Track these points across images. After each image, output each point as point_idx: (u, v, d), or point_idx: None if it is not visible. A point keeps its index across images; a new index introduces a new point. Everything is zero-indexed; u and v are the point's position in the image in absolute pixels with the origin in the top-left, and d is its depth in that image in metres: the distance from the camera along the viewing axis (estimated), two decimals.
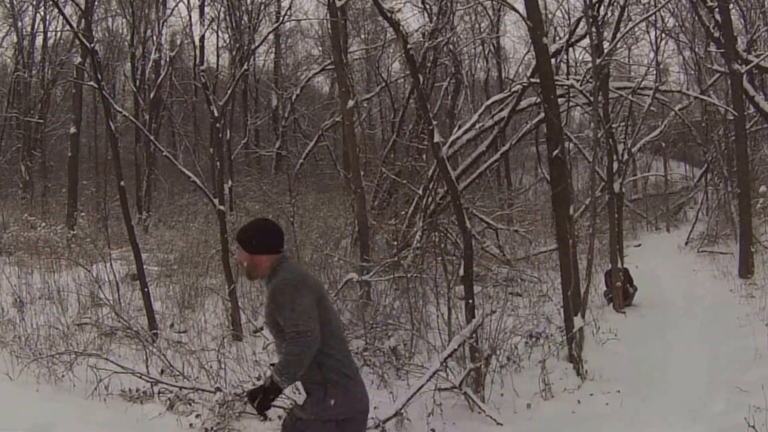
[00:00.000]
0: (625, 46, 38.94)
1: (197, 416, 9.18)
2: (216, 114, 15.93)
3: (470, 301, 11.72)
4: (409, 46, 12.73)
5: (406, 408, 9.61)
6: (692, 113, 43.95)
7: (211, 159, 20.32)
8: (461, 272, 12.00)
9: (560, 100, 20.11)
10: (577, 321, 12.84)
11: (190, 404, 9.63)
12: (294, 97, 44.34)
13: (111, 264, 17.38)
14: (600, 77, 19.32)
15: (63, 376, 10.43)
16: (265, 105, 49.78)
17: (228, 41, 45.19)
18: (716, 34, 25.02)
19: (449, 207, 19.79)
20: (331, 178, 36.59)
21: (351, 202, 19.62)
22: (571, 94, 19.58)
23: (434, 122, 12.49)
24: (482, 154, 22.16)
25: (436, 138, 11.79)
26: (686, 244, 32.33)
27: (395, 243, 18.74)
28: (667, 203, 43.47)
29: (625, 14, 22.52)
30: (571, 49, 28.48)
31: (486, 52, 45.98)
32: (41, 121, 40.11)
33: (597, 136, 14.95)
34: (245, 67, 29.01)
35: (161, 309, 16.02)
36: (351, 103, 17.67)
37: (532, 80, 18.59)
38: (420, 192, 20.33)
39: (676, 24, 36.39)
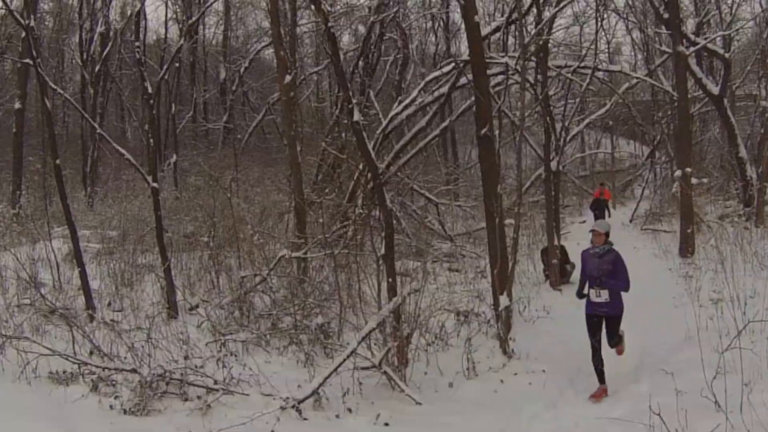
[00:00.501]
0: (576, 24, 39.21)
1: (116, 397, 9.23)
2: (150, 91, 15.87)
3: (390, 279, 11.80)
4: (355, 19, 12.79)
5: (325, 387, 9.70)
6: (642, 93, 44.39)
7: (145, 136, 20.18)
8: (382, 251, 12.07)
9: (499, 78, 20.28)
10: (503, 299, 12.94)
11: (113, 385, 9.64)
12: (243, 69, 44.20)
13: (51, 243, 17.31)
14: (533, 55, 19.49)
15: None
16: (214, 77, 49.51)
17: (176, 12, 44.94)
18: (665, 16, 25.19)
19: (388, 182, 19.91)
20: (278, 151, 36.47)
21: (289, 177, 19.62)
22: (509, 72, 19.65)
23: (354, 100, 12.52)
24: (422, 130, 22.25)
25: (356, 117, 11.82)
26: (630, 221, 32.70)
27: (330, 219, 18.80)
28: (614, 180, 43.78)
29: None
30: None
31: (436, 28, 45.99)
32: None
33: (522, 114, 14.99)
34: (182, 42, 28.78)
35: (99, 287, 15.92)
36: (288, 78, 17.65)
37: (464, 59, 18.68)
38: (360, 168, 20.34)
39: (626, 4, 36.57)
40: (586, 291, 11.46)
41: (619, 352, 11.71)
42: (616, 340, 11.47)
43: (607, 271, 11.09)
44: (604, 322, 11.27)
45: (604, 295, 11.08)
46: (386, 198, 12.49)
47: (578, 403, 10.32)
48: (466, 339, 12.05)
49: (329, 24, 12.38)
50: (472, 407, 10.17)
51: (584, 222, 33.08)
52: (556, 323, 14.75)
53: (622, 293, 11.29)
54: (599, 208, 31.55)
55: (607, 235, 11.48)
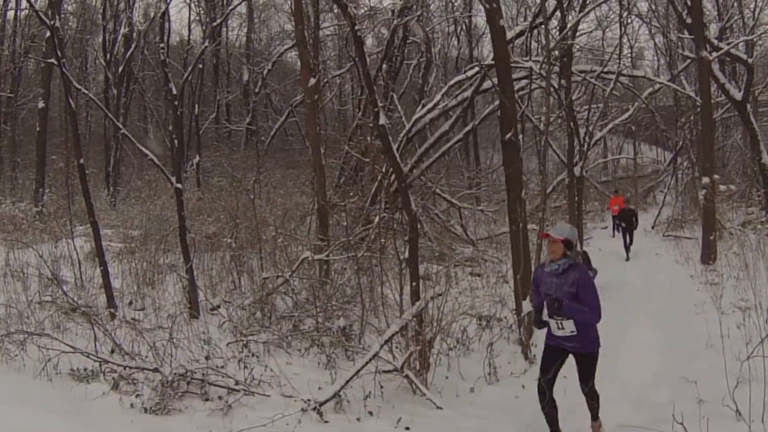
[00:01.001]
0: (599, 29, 39.16)
1: (137, 396, 9.24)
2: (174, 92, 15.90)
3: (414, 283, 11.77)
4: (378, 22, 12.77)
5: (346, 390, 9.67)
6: (665, 98, 44.20)
7: (168, 137, 20.24)
8: (406, 254, 12.05)
9: (523, 82, 20.24)
10: (525, 305, 12.89)
11: (134, 384, 9.65)
12: (266, 71, 44.28)
13: (73, 241, 17.38)
14: (557, 60, 19.40)
15: (16, 355, 10.36)
16: (237, 79, 49.62)
17: (200, 14, 45.05)
18: (688, 21, 25.07)
19: (412, 186, 19.88)
20: (301, 154, 36.54)
21: (312, 180, 19.65)
22: (533, 76, 19.61)
23: (380, 104, 12.51)
24: (445, 134, 22.22)
25: (381, 120, 11.81)
26: (652, 227, 32.54)
27: (352, 222, 18.79)
28: (636, 186, 43.60)
29: None
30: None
31: (459, 31, 45.94)
32: (11, 95, 39.79)
33: (548, 120, 14.94)
34: (206, 43, 28.86)
35: (121, 286, 15.96)
36: (312, 81, 17.67)
37: (488, 63, 18.64)
38: (383, 171, 20.33)
39: (650, 9, 36.45)
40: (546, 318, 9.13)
41: (595, 429, 9.37)
42: (590, 386, 9.11)
43: (569, 295, 8.68)
44: (575, 361, 9.12)
45: (568, 327, 8.80)
46: (411, 201, 12.47)
47: (600, 409, 10.24)
48: (488, 344, 12.01)
49: (356, 27, 12.37)
50: (493, 412, 10.13)
51: (606, 227, 32.99)
52: None
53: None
54: (626, 219, 26.52)
55: (567, 244, 8.92)
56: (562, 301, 8.63)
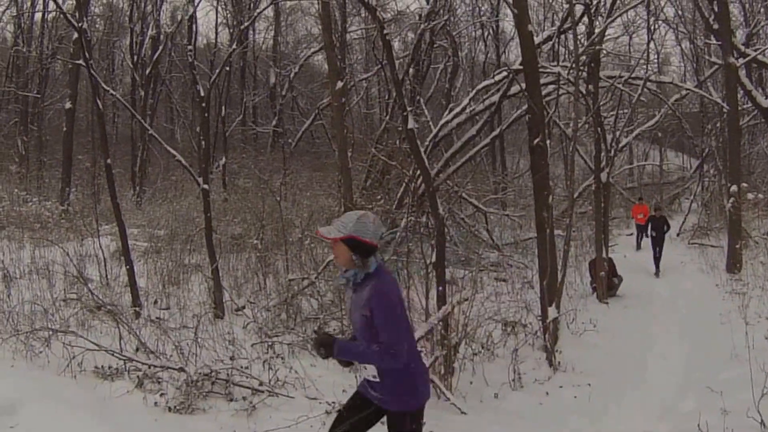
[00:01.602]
0: (626, 34, 39.06)
1: (162, 395, 9.25)
2: (202, 94, 15.94)
3: (440, 288, 11.74)
4: (406, 26, 12.78)
5: None
6: (691, 104, 44.03)
7: (196, 139, 20.30)
8: (432, 258, 12.03)
9: (550, 87, 20.17)
10: (551, 311, 12.86)
11: (158, 383, 9.68)
12: (292, 74, 44.43)
13: (99, 240, 17.48)
14: (584, 66, 19.32)
15: (40, 352, 10.41)
16: (264, 82, 49.82)
17: (227, 18, 45.24)
18: (715, 26, 24.96)
19: (438, 190, 19.84)
20: (327, 156, 36.60)
21: (339, 182, 19.67)
22: (561, 82, 19.54)
23: (408, 108, 12.50)
24: (472, 138, 22.17)
25: (410, 124, 11.82)
26: (678, 235, 32.37)
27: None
28: (661, 193, 43.43)
29: (618, 2, 22.32)
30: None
31: (485, 36, 45.89)
32: (39, 95, 40.08)
33: (576, 125, 14.89)
34: (233, 46, 29.00)
35: (146, 285, 16.08)
36: (339, 84, 17.66)
37: (516, 68, 18.59)
38: (410, 174, 20.31)
39: (676, 14, 36.36)
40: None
41: None
42: None
43: (362, 321, 5.68)
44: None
45: (371, 369, 5.82)
46: (438, 205, 12.45)
47: (623, 418, 10.18)
48: (513, 350, 11.95)
49: (385, 31, 12.36)
50: (517, 419, 10.07)
51: (631, 234, 32.85)
52: (602, 337, 14.63)
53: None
54: (656, 228, 24.42)
55: (354, 244, 5.72)
56: (322, 334, 6.24)
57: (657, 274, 23.62)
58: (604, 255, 19.37)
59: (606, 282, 18.87)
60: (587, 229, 27.76)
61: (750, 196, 22.44)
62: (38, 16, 41.09)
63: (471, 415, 10.01)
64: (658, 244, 24.21)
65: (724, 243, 23.66)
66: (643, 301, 18.85)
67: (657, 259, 23.96)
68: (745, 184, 21.99)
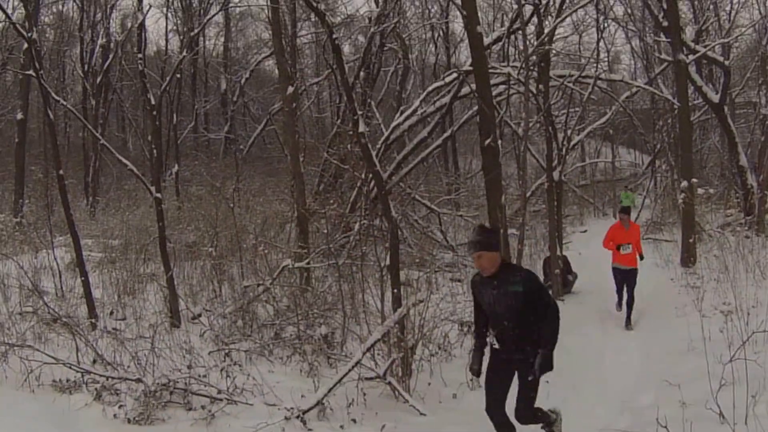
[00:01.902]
0: (576, 33, 39.37)
1: (120, 406, 9.23)
2: (153, 102, 15.90)
3: (395, 290, 11.78)
4: (356, 29, 12.81)
5: (329, 397, 9.69)
6: (642, 101, 44.44)
7: (148, 147, 20.24)
8: (387, 261, 12.07)
9: (501, 87, 20.30)
10: None
11: (116, 394, 9.64)
12: (243, 80, 44.39)
13: (53, 252, 17.37)
14: (534, 65, 19.47)
15: None
16: (215, 88, 49.72)
17: (177, 24, 45.07)
18: (664, 24, 25.18)
19: (391, 192, 19.89)
20: (279, 161, 36.57)
21: (291, 187, 19.68)
22: (511, 82, 19.68)
23: (359, 112, 12.52)
24: (424, 140, 22.28)
25: (361, 128, 11.83)
26: None
27: (332, 229, 18.82)
28: (614, 189, 43.74)
29: (567, 2, 22.49)
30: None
31: (436, 37, 46.04)
32: None
33: (526, 126, 14.99)
34: (184, 53, 28.79)
35: (102, 296, 15.97)
36: (290, 89, 17.70)
37: (466, 69, 18.71)
38: (362, 177, 20.35)
39: (626, 12, 36.65)
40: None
41: None
42: None
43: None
44: None
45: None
46: (391, 208, 12.49)
47: (583, 414, 10.22)
48: (470, 350, 12.01)
49: (334, 36, 12.40)
50: (476, 418, 10.05)
51: (585, 231, 33.09)
52: (559, 333, 14.70)
53: None
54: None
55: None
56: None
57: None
58: (558, 252, 19.51)
59: (561, 279, 19.01)
60: (541, 227, 27.92)
61: (700, 191, 22.62)
62: None
63: (430, 416, 10.06)
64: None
65: (678, 237, 23.82)
66: (598, 297, 18.93)
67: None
68: (695, 180, 22.15)
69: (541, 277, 19.71)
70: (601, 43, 29.27)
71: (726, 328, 11.63)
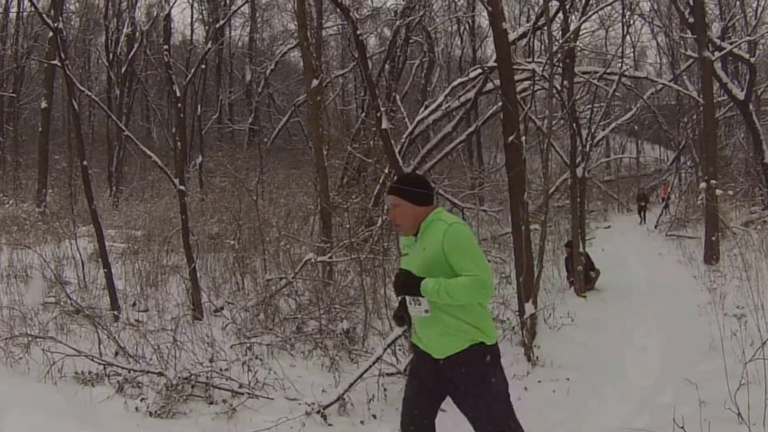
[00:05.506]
0: (602, 28, 39.22)
1: (142, 399, 9.23)
2: (178, 94, 15.90)
3: None
4: (381, 22, 12.78)
5: (350, 393, 9.67)
6: (667, 97, 44.26)
7: (172, 139, 20.24)
8: None
9: (526, 83, 20.21)
10: (528, 307, 12.87)
11: (138, 387, 9.64)
12: (268, 71, 44.36)
13: (76, 242, 17.43)
14: (559, 62, 19.37)
15: (20, 358, 10.32)
16: (240, 79, 49.74)
17: (203, 14, 45.13)
18: (690, 20, 25.05)
19: None
20: (303, 153, 36.57)
21: (315, 180, 19.67)
22: (536, 78, 19.61)
23: (382, 108, 12.50)
24: (449, 134, 22.24)
25: (384, 124, 11.81)
26: (655, 227, 32.55)
27: (355, 223, 18.78)
28: (639, 185, 43.58)
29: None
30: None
31: (461, 31, 45.94)
32: (14, 94, 39.82)
33: (550, 123, 14.90)
34: (209, 44, 28.85)
35: (124, 287, 16.01)
36: (315, 82, 17.66)
37: (490, 65, 18.63)
38: (386, 171, 20.32)
39: (652, 8, 36.53)
40: None
41: None
42: None
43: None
44: None
45: None
46: None
47: (602, 412, 10.17)
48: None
49: (358, 31, 12.37)
50: None
51: (609, 227, 33.00)
52: (580, 331, 14.62)
53: None
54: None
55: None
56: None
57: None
58: (581, 249, 19.44)
59: (584, 276, 18.94)
60: (564, 222, 27.83)
61: (719, 192, 22.47)
62: (13, 14, 40.90)
63: (450, 411, 10.03)
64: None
65: (702, 234, 23.73)
66: (620, 294, 18.91)
67: None
68: (714, 181, 21.96)
69: (564, 274, 19.77)
70: (627, 39, 29.16)
71: (741, 329, 11.57)
